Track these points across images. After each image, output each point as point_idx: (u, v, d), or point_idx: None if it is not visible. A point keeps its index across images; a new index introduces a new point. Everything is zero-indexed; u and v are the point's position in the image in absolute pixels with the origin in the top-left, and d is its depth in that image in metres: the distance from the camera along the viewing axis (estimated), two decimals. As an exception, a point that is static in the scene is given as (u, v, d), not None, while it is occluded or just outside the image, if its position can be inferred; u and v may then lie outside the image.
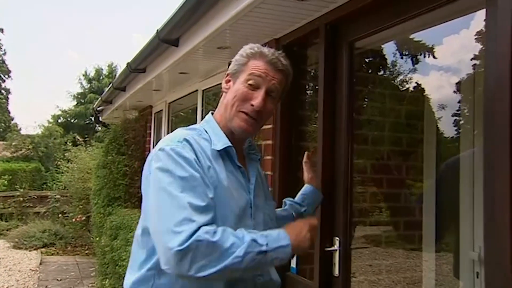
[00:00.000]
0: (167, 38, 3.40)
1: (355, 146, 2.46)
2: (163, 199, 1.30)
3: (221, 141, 1.45)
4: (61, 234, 9.47)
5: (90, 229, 8.73)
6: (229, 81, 1.54)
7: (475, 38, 2.82)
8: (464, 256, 2.82)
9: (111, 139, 6.28)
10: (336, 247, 2.33)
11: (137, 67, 4.41)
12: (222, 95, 1.57)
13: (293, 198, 1.89)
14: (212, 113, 1.58)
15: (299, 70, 3.00)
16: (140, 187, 1.48)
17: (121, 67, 22.56)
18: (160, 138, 5.89)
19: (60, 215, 10.19)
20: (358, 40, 2.38)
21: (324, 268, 2.38)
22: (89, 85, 22.59)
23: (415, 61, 3.70)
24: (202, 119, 4.76)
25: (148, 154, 6.43)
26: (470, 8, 1.86)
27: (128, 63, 4.50)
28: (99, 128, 18.82)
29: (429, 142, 3.33)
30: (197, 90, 4.60)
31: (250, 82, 1.46)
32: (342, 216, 2.32)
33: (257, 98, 1.46)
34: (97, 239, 6.15)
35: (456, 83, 3.56)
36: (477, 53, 2.99)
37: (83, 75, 22.70)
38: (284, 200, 1.83)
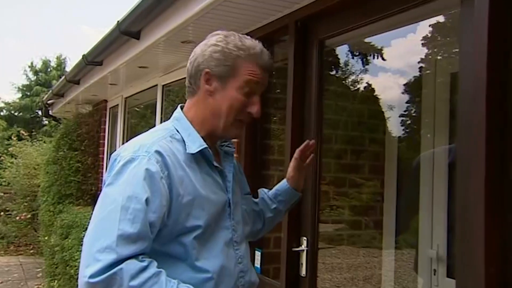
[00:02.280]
0: (128, 30, 3.28)
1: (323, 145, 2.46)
2: (101, 215, 1.20)
3: (196, 143, 1.34)
4: (3, 233, 9.08)
5: (36, 228, 8.36)
6: (209, 79, 1.36)
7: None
8: (423, 254, 2.89)
9: (62, 134, 6.04)
10: (303, 247, 2.32)
11: (94, 59, 4.24)
12: (196, 93, 1.41)
13: (270, 189, 1.78)
14: (182, 107, 1.44)
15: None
16: (92, 184, 1.36)
17: (70, 60, 21.79)
18: (116, 134, 5.75)
19: (1, 213, 9.67)
20: (329, 39, 2.37)
21: (291, 268, 2.36)
22: (35, 77, 21.61)
23: (366, 62, 3.77)
24: (161, 115, 4.62)
25: (102, 151, 6.11)
26: (444, 9, 1.88)
27: (84, 55, 4.33)
28: (46, 122, 18.09)
29: (391, 141, 3.39)
30: (156, 85, 4.48)
31: (246, 90, 1.35)
32: (310, 216, 2.31)
33: (256, 106, 1.37)
34: (46, 238, 5.90)
35: (404, 84, 3.68)
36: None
37: (29, 66, 21.71)
38: (258, 190, 1.75)
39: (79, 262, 1.20)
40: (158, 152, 1.25)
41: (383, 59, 3.57)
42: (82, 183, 5.71)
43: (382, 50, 3.49)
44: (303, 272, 2.31)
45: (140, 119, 6.02)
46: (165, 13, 2.87)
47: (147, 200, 1.18)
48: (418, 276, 3.03)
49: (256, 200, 1.72)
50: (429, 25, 2.91)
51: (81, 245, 1.21)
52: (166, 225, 1.25)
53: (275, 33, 2.70)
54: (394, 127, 3.67)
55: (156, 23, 3.04)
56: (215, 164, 1.39)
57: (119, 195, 1.19)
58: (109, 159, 1.34)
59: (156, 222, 1.20)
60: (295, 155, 1.70)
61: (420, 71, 3.34)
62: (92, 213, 1.25)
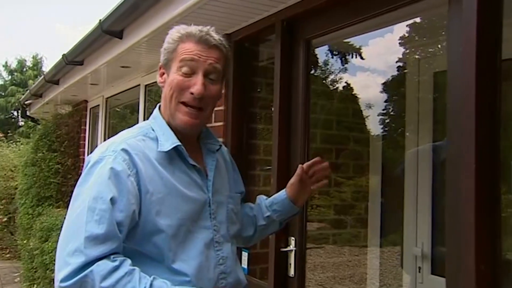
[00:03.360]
0: (111, 29, 3.22)
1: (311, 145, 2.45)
2: (70, 218, 1.21)
3: (169, 141, 1.32)
4: (-23, 238, 8.79)
5: (12, 231, 8.17)
6: (163, 73, 1.40)
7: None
8: (408, 252, 2.92)
9: (41, 135, 5.90)
10: (291, 247, 2.31)
11: (74, 59, 4.16)
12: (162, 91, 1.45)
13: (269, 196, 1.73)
14: (160, 106, 1.44)
15: (250, 66, 2.95)
16: (73, 185, 1.36)
17: (46, 59, 21.44)
18: (96, 135, 5.65)
19: (-24, 217, 9.42)
20: (315, 38, 2.37)
21: (279, 269, 2.35)
22: (10, 77, 21.19)
23: (345, 61, 3.81)
24: (144, 115, 4.55)
25: (82, 152, 6.00)
26: (432, 8, 1.89)
27: (64, 54, 4.24)
28: (22, 123, 17.75)
29: (376, 140, 3.42)
30: (139, 85, 4.42)
31: (183, 69, 1.32)
32: (298, 215, 2.30)
33: (196, 84, 1.31)
34: (24, 242, 5.76)
35: (384, 83, 3.72)
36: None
37: (4, 66, 21.30)
38: (257, 196, 1.71)
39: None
40: (124, 150, 1.26)
41: (361, 58, 3.60)
42: (62, 184, 5.62)
43: (360, 49, 3.51)
44: (291, 272, 2.30)
45: (121, 119, 5.95)
46: (149, 12, 2.83)
47: (112, 200, 1.18)
48: (404, 273, 3.06)
49: (252, 205, 1.67)
50: (406, 25, 2.94)
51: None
52: (138, 224, 1.24)
53: (261, 32, 2.68)
54: (378, 126, 3.71)
55: (140, 22, 3.00)
56: (192, 162, 1.36)
57: (87, 196, 1.19)
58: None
59: (124, 221, 1.19)
60: (303, 164, 1.61)
61: (399, 70, 3.38)
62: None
